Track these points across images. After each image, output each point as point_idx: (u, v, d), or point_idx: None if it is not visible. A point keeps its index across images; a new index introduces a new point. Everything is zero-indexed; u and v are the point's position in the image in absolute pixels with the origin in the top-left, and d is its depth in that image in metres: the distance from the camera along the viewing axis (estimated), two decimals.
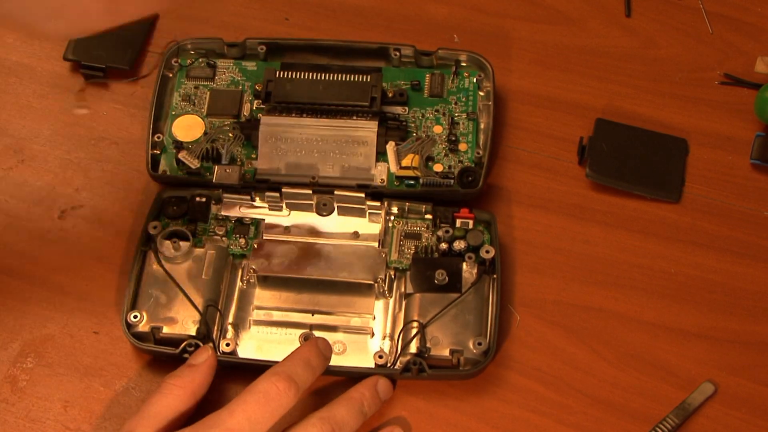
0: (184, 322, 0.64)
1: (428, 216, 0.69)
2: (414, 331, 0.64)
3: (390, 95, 0.74)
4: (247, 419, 0.57)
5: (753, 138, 0.75)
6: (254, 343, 0.66)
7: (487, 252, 0.67)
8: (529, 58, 0.81)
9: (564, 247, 0.72)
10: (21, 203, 0.74)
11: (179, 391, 0.60)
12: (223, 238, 0.69)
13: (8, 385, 0.67)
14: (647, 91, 0.79)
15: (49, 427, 0.65)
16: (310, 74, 0.73)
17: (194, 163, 0.71)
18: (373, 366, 0.64)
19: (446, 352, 0.64)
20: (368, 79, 0.72)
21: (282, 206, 0.69)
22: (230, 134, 0.73)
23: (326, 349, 0.62)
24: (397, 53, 0.76)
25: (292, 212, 0.69)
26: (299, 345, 0.63)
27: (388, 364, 0.64)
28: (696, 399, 0.65)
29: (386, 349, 0.65)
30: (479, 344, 0.64)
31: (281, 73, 0.73)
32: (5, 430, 0.65)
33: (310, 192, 0.68)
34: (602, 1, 0.84)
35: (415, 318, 0.64)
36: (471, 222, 0.69)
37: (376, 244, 0.68)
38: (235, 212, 0.70)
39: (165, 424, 0.59)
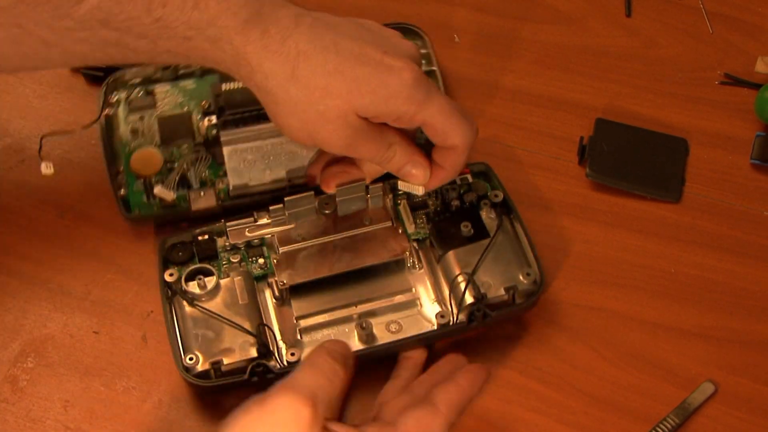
0: (242, 348, 0.64)
1: None
2: (463, 284, 0.65)
3: None
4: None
5: (753, 138, 0.75)
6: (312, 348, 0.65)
7: (496, 196, 0.70)
8: (529, 58, 0.81)
9: (564, 246, 0.72)
10: (22, 203, 0.74)
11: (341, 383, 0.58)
12: (242, 264, 0.68)
13: (9, 385, 0.67)
14: (647, 90, 0.79)
15: (49, 426, 0.65)
16: None
17: (171, 196, 0.70)
18: (436, 328, 0.65)
19: (501, 292, 0.65)
20: None
21: (286, 216, 0.68)
22: (193, 157, 0.72)
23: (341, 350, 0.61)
24: None
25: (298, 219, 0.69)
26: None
27: (451, 322, 0.65)
28: (696, 398, 0.65)
29: (436, 311, 0.66)
30: (528, 274, 0.66)
31: (226, 84, 0.72)
32: (6, 429, 0.65)
33: (312, 194, 0.68)
34: (602, 1, 0.84)
35: (458, 273, 0.66)
36: (469, 176, 0.71)
37: (389, 223, 0.68)
38: (242, 238, 0.68)
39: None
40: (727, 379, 0.66)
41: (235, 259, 0.68)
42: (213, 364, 0.63)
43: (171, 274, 0.66)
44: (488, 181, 0.71)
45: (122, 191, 0.71)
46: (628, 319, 0.69)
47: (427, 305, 0.67)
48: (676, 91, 0.79)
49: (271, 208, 0.67)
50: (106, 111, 0.73)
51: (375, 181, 0.68)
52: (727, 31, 0.82)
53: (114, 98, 0.74)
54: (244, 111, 0.71)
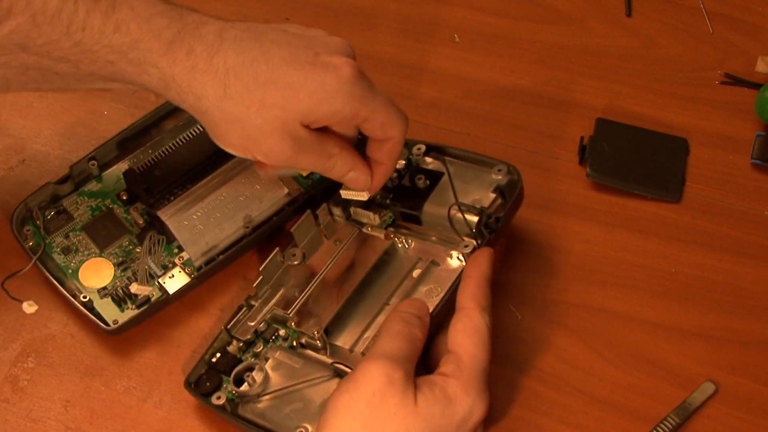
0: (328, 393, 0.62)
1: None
2: (459, 213, 0.66)
3: None
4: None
5: (753, 137, 0.75)
6: None
7: (419, 149, 0.71)
8: (529, 58, 0.81)
9: (564, 246, 0.72)
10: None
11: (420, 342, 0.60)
12: (269, 345, 0.66)
13: (9, 385, 0.67)
14: (648, 90, 0.79)
15: (50, 426, 0.65)
16: (163, 150, 0.70)
17: (147, 288, 0.67)
18: (464, 262, 0.66)
19: (491, 196, 0.67)
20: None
21: (269, 286, 0.67)
22: (148, 246, 0.69)
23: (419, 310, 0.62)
24: None
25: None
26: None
27: (476, 243, 0.65)
28: (696, 398, 0.65)
29: (454, 253, 0.67)
30: (499, 170, 0.68)
31: (136, 167, 0.70)
32: (6, 429, 0.65)
33: (277, 251, 0.66)
34: (602, 1, 0.84)
35: (447, 210, 0.66)
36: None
37: (356, 231, 0.69)
38: (249, 330, 0.66)
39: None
40: (727, 379, 0.66)
41: (259, 349, 0.66)
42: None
43: (218, 397, 0.64)
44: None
45: (88, 310, 0.67)
46: (628, 319, 0.69)
47: (444, 257, 0.67)
48: (677, 91, 0.79)
49: (254, 285, 0.66)
50: (30, 245, 0.70)
51: (313, 204, 0.69)
52: (728, 31, 0.82)
53: (29, 232, 0.70)
54: (170, 184, 0.69)
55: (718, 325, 0.68)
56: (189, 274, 0.68)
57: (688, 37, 0.82)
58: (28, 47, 0.57)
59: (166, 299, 0.67)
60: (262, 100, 0.58)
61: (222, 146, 0.61)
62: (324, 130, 0.61)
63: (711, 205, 0.73)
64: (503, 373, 0.66)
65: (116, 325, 0.66)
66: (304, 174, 0.72)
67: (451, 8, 0.84)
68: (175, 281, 0.68)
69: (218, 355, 0.65)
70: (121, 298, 0.68)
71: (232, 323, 0.66)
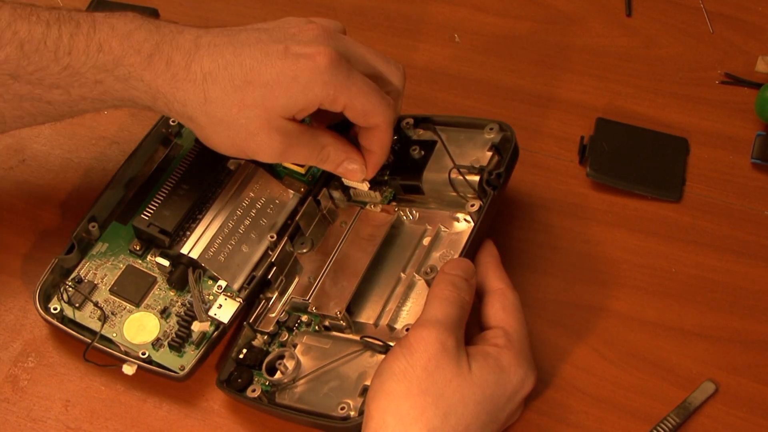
0: (363, 366, 0.63)
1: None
2: (459, 176, 0.66)
3: None
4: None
5: (753, 137, 0.75)
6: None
7: (408, 123, 0.71)
8: (529, 58, 0.81)
9: (564, 246, 0.72)
10: (22, 203, 0.74)
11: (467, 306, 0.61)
12: (294, 333, 0.66)
13: (9, 385, 0.67)
14: (648, 90, 0.79)
15: (50, 426, 0.65)
16: (164, 192, 0.69)
17: (206, 324, 0.66)
18: (473, 222, 0.66)
19: (487, 154, 0.67)
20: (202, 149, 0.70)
21: (283, 276, 0.68)
22: (192, 283, 0.67)
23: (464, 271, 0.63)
24: None
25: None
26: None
27: (482, 203, 0.65)
28: (697, 398, 0.65)
29: (460, 215, 0.67)
30: (491, 129, 0.68)
31: (144, 213, 0.68)
32: (7, 429, 0.65)
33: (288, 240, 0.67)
34: (602, 1, 0.84)
35: (447, 174, 0.66)
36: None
37: (357, 209, 0.69)
38: (272, 322, 0.67)
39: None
40: (727, 379, 0.66)
41: (284, 338, 0.66)
42: (360, 397, 0.61)
43: (254, 390, 0.64)
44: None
45: (149, 362, 0.66)
46: (628, 318, 0.69)
47: (451, 222, 0.68)
48: (677, 90, 0.79)
49: (269, 277, 0.67)
50: (62, 322, 0.67)
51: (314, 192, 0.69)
52: (728, 30, 0.82)
53: (57, 312, 0.67)
54: (184, 221, 0.68)
55: (718, 325, 0.68)
56: (236, 299, 0.67)
57: (688, 37, 0.82)
58: (19, 76, 0.59)
59: (223, 329, 0.66)
60: (241, 101, 0.60)
61: (215, 149, 0.62)
62: (315, 126, 0.62)
63: (711, 205, 0.73)
64: None
65: (184, 371, 0.65)
66: (303, 171, 0.72)
67: (451, 8, 0.84)
68: (226, 310, 0.67)
69: (245, 350, 0.66)
70: (178, 344, 0.66)
71: (252, 317, 0.67)
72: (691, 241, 0.72)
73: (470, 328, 0.62)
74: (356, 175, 0.65)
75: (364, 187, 0.67)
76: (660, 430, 0.64)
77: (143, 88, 0.60)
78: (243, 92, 0.59)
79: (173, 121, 0.73)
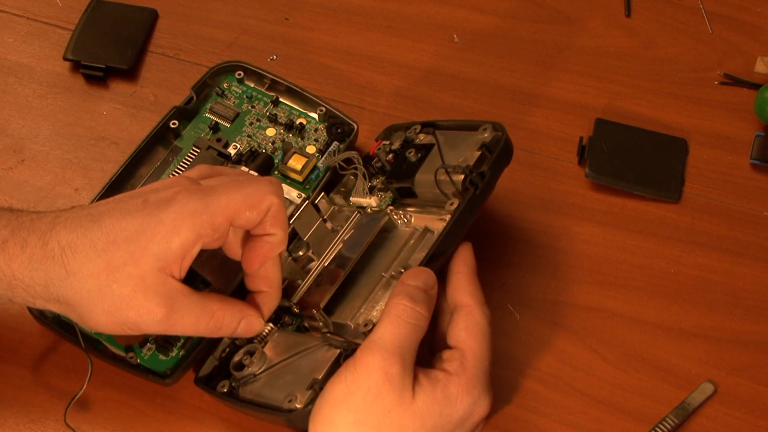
0: (325, 358, 0.62)
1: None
2: (444, 176, 0.65)
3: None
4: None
5: (753, 138, 0.75)
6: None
7: (414, 129, 0.70)
8: (528, 59, 0.81)
9: (563, 247, 0.72)
10: (21, 203, 0.74)
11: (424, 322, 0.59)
12: (271, 331, 0.65)
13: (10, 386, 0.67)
14: (647, 91, 0.79)
15: (49, 427, 0.65)
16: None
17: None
18: (448, 217, 0.64)
19: (476, 153, 0.65)
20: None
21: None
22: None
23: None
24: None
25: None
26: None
27: (459, 202, 0.64)
28: (696, 399, 0.65)
29: (446, 208, 0.66)
30: (484, 129, 0.67)
31: None
32: (6, 429, 0.65)
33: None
34: (602, 1, 0.84)
35: (435, 173, 0.66)
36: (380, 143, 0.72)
37: (356, 212, 0.69)
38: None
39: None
40: (726, 380, 0.66)
41: (267, 328, 0.65)
42: (311, 387, 0.60)
43: (223, 386, 0.64)
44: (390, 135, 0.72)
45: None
46: (627, 319, 0.69)
47: (438, 223, 0.66)
48: (676, 91, 0.79)
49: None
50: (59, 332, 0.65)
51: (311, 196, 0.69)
52: (727, 31, 0.82)
53: (51, 314, 0.65)
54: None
55: (717, 326, 0.68)
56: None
57: (687, 38, 0.82)
58: None
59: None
60: (108, 264, 0.54)
61: (96, 330, 0.57)
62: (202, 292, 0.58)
63: (710, 206, 0.74)
64: (502, 373, 0.66)
65: (172, 376, 0.64)
66: (301, 179, 0.72)
67: (451, 8, 0.84)
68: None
69: (227, 350, 0.66)
70: (166, 348, 0.66)
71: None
72: (690, 242, 0.72)
73: (433, 338, 0.61)
74: (256, 329, 0.61)
75: (373, 202, 0.67)
76: (659, 430, 0.64)
77: None
78: (108, 254, 0.54)
79: (174, 123, 0.73)
